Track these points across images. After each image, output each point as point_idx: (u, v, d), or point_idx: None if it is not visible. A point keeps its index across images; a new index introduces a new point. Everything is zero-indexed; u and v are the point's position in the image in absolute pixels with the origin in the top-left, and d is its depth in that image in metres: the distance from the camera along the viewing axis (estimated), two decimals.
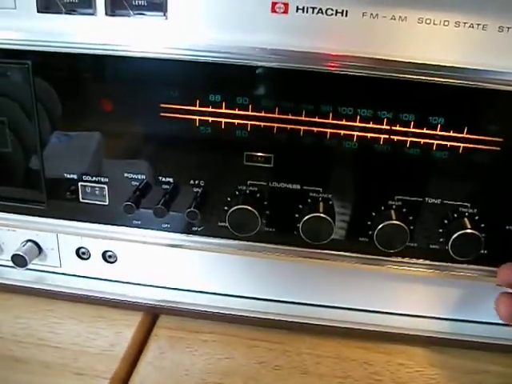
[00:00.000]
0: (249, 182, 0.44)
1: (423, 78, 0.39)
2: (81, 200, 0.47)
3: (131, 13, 0.41)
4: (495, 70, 0.38)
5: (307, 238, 0.44)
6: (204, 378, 0.46)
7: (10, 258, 0.50)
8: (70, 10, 0.41)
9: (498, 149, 0.40)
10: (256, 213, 0.43)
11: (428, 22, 0.38)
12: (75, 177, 0.46)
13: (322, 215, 0.43)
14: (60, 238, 0.51)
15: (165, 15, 0.41)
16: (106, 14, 0.41)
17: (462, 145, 0.41)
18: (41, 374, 0.45)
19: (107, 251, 0.51)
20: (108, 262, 0.51)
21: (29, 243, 0.51)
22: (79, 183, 0.47)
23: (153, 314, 0.53)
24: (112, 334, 0.50)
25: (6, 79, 0.44)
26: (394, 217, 0.43)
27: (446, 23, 0.38)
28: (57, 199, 0.48)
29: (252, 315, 0.51)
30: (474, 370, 0.49)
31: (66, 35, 0.41)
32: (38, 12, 0.41)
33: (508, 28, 0.37)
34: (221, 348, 0.49)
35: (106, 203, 0.47)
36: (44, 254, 0.52)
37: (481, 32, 0.38)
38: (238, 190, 0.44)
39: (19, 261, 0.50)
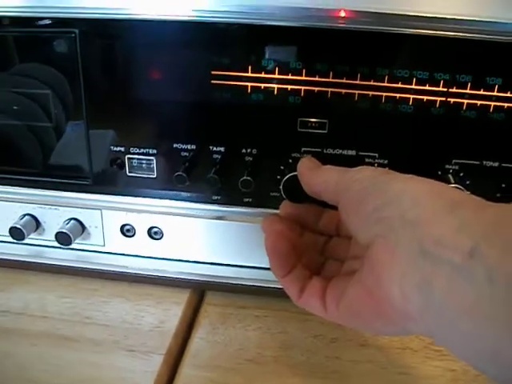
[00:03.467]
0: (303, 148, 0.43)
1: (481, 36, 0.38)
2: (128, 174, 0.46)
3: None
4: None
5: None
6: (260, 351, 0.44)
7: (53, 238, 0.49)
8: None
9: None
10: None
11: None
12: (122, 149, 0.45)
13: None
14: (104, 215, 0.49)
15: None
16: None
17: None
18: (91, 351, 0.44)
19: (153, 227, 0.49)
20: (153, 238, 0.50)
21: (72, 221, 0.49)
22: (126, 156, 0.46)
23: (200, 291, 0.52)
24: (160, 312, 0.49)
25: (52, 49, 0.43)
26: (452, 181, 0.42)
27: None
28: (102, 174, 0.47)
29: None
30: None
31: (114, 2, 0.40)
32: None
33: None
34: (273, 323, 0.48)
35: (154, 176, 0.46)
36: (87, 233, 0.50)
37: None
38: (292, 157, 0.43)
39: (63, 239, 0.48)
